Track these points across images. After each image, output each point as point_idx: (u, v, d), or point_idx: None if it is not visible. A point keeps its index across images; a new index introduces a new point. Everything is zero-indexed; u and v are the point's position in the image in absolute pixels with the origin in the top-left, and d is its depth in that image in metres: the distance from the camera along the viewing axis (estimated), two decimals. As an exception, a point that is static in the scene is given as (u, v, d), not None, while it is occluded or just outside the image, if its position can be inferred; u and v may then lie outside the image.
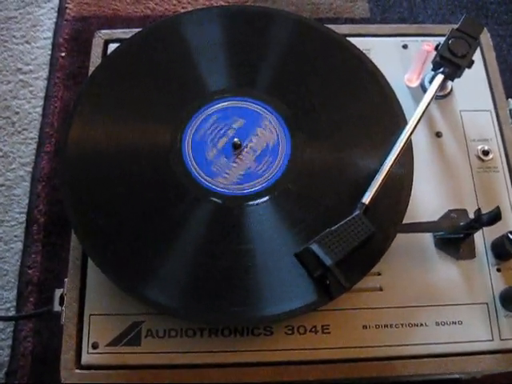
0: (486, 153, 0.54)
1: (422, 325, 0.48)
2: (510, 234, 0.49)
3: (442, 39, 0.54)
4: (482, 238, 0.51)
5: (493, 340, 0.48)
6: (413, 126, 0.48)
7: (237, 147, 0.49)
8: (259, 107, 0.51)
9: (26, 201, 0.73)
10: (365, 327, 0.48)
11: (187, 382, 0.46)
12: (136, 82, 0.51)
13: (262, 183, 0.48)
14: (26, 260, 0.69)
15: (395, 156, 0.47)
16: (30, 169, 0.75)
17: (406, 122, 0.50)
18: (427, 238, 0.51)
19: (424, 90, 0.57)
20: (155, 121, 0.50)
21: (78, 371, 0.46)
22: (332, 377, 0.46)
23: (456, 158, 0.54)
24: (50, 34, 0.83)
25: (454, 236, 0.50)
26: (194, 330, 0.47)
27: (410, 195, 0.48)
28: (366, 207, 0.45)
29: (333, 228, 0.44)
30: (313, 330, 0.48)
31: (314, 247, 0.43)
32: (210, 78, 0.53)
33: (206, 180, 0.48)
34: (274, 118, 0.50)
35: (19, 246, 0.70)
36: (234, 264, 0.45)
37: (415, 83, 0.57)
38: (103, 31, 0.59)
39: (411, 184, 0.48)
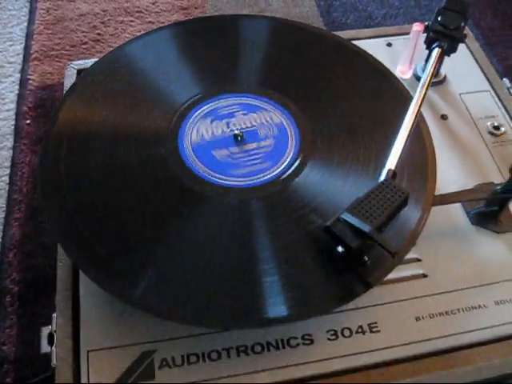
0: (497, 128, 0.51)
1: (480, 307, 0.41)
2: (550, 194, 0.44)
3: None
4: (519, 209, 0.46)
5: None
6: (424, 89, 0.45)
7: (240, 139, 0.44)
8: (260, 101, 0.47)
9: (-4, 273, 0.64)
10: (418, 319, 0.41)
11: (219, 416, 0.37)
12: (126, 83, 0.47)
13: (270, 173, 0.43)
14: (-1, 337, 0.59)
15: (413, 118, 0.43)
16: (-2, 239, 0.66)
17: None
18: (461, 216, 0.46)
19: (418, 78, 0.55)
20: (148, 120, 0.45)
21: (78, 422, 0.36)
22: (393, 380, 0.38)
23: (468, 137, 0.51)
24: (13, 106, 0.79)
25: (490, 209, 0.45)
26: (219, 351, 0.39)
27: (435, 164, 0.44)
28: (394, 172, 0.41)
29: (361, 196, 0.38)
30: (359, 330, 0.40)
31: (347, 216, 0.37)
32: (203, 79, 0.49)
33: (211, 175, 0.42)
34: (275, 108, 0.46)
35: (-10, 323, 0.60)
36: (252, 257, 0.39)
37: (408, 74, 0.55)
38: (75, 62, 0.56)
39: (434, 151, 0.44)
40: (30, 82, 0.82)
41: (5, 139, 0.76)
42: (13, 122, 0.78)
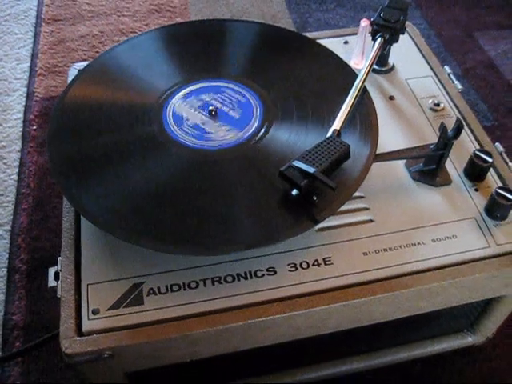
0: (437, 104, 0.60)
1: (419, 244, 0.49)
2: (476, 151, 0.52)
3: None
4: (454, 168, 0.54)
5: (490, 247, 0.49)
6: (367, 68, 0.54)
7: (213, 114, 0.53)
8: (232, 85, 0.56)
9: (6, 256, 0.71)
10: (365, 254, 0.48)
11: (197, 331, 0.44)
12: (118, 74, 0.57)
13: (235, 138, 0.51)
14: (9, 308, 0.66)
15: (357, 90, 0.52)
16: (8, 227, 0.74)
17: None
18: (403, 174, 0.54)
19: (370, 68, 0.63)
20: (139, 96, 0.54)
21: (79, 338, 0.43)
22: (343, 301, 0.45)
23: (412, 113, 0.59)
24: (20, 115, 0.89)
25: (428, 168, 0.53)
26: (197, 281, 0.46)
27: (377, 128, 0.52)
28: (338, 132, 0.49)
29: (309, 148, 0.47)
30: (315, 263, 0.48)
31: (297, 163, 0.45)
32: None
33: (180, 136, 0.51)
34: (247, 92, 0.55)
35: (1, 297, 0.67)
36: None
37: (361, 65, 0.64)
38: (77, 63, 0.65)
39: (376, 117, 0.52)
40: (36, 94, 0.91)
41: (13, 143, 0.85)
42: (20, 129, 0.87)
